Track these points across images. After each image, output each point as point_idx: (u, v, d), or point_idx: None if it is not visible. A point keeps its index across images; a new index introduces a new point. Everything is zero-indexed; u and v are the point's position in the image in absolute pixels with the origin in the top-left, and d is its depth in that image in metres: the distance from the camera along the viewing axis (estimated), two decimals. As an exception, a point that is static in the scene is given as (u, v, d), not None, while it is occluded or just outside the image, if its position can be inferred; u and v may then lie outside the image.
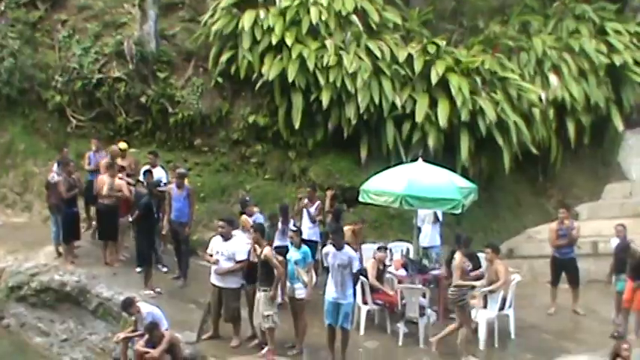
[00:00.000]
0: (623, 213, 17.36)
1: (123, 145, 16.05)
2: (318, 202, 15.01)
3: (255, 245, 12.13)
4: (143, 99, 17.81)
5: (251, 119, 17.53)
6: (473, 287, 12.68)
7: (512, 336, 13.24)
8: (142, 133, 18.00)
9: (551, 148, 18.03)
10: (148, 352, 11.66)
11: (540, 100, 17.52)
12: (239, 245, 12.44)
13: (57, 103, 18.25)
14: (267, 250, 11.97)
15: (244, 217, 13.56)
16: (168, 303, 13.31)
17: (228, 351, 12.38)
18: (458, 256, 12.53)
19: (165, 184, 15.03)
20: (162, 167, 15.82)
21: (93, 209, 15.63)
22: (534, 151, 17.30)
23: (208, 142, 17.96)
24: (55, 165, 15.44)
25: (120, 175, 14.93)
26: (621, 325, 13.61)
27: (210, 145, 17.94)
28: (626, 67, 18.61)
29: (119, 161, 15.37)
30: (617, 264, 13.76)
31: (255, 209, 14.29)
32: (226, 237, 12.45)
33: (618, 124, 18.83)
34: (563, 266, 14.44)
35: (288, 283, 12.18)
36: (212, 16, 17.78)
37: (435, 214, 14.68)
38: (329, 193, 15.54)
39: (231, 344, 12.56)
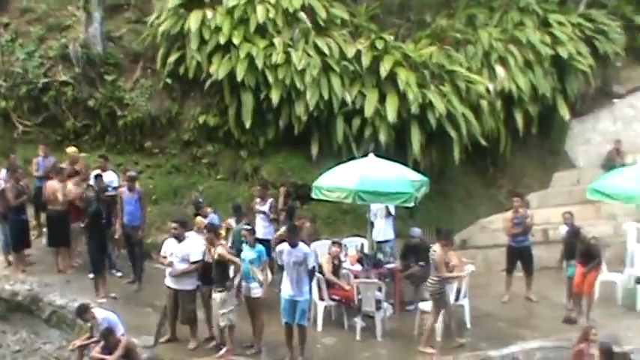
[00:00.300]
0: (572, 200, 17.65)
1: (72, 149, 15.87)
2: (270, 200, 15.00)
3: (210, 245, 12.10)
4: (91, 102, 17.60)
5: (201, 119, 17.43)
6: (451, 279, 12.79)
7: (468, 325, 13.39)
8: (92, 137, 17.80)
9: (500, 138, 18.24)
10: (104, 359, 11.56)
11: (488, 91, 17.69)
12: (193, 246, 12.38)
13: (2, 109, 17.97)
14: (221, 249, 11.94)
15: (199, 218, 13.50)
16: (124, 308, 13.21)
17: (186, 353, 12.33)
18: (438, 248, 12.57)
19: (115, 188, 14.89)
20: (114, 171, 15.66)
21: (43, 216, 15.42)
22: (483, 142, 17.49)
23: (159, 143, 17.82)
24: (3, 172, 15.20)
25: (75, 179, 14.76)
26: (573, 310, 13.88)
27: (161, 147, 17.81)
28: (569, 58, 18.91)
29: (67, 165, 15.21)
30: (567, 250, 14.03)
31: (209, 210, 14.26)
32: (180, 238, 12.38)
33: (564, 113, 19.13)
34: (519, 254, 14.65)
35: (243, 283, 12.18)
36: (158, 16, 17.64)
37: (387, 208, 14.77)
38: (282, 190, 15.53)
39: (188, 346, 12.51)
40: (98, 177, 14.79)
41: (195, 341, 12.56)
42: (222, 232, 13.18)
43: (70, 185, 14.68)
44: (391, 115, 16.30)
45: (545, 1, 19.82)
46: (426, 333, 12.60)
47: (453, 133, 16.72)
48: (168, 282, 12.49)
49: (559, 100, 19.02)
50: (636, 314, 14.11)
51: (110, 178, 15.14)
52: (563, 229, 14.47)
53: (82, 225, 14.29)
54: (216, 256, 11.87)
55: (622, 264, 15.35)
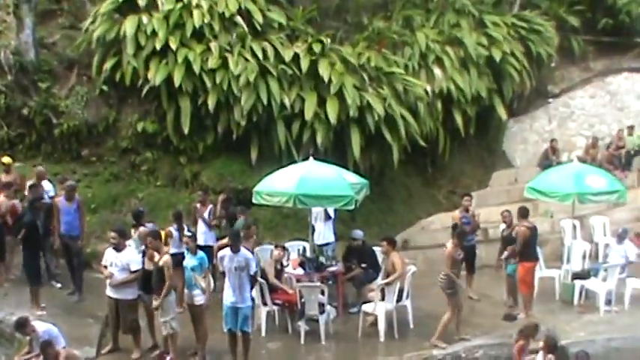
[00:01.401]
0: (510, 199, 17.97)
1: (7, 159, 15.53)
2: (210, 207, 14.92)
3: (154, 252, 11.96)
4: (25, 111, 17.22)
5: (139, 126, 17.24)
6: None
7: (411, 325, 13.49)
8: (26, 146, 17.41)
9: (439, 139, 18.48)
10: (43, 373, 11.35)
11: (426, 92, 17.91)
12: (132, 255, 12.22)
13: None
14: (168, 258, 11.82)
15: (142, 228, 13.27)
16: (65, 319, 12.92)
17: (129, 364, 12.15)
18: (450, 244, 12.75)
19: (51, 197, 14.62)
20: (50, 180, 15.36)
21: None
22: (422, 143, 17.67)
23: (96, 151, 17.56)
24: None
25: (6, 191, 14.43)
26: (513, 306, 14.10)
27: (99, 155, 17.55)
28: (504, 59, 19.22)
29: (3, 177, 14.87)
30: (505, 248, 14.21)
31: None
32: (119, 248, 12.21)
33: (501, 113, 19.47)
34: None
35: (186, 290, 12.08)
36: (93, 22, 17.40)
37: (326, 211, 14.82)
38: (220, 198, 15.44)
39: (132, 356, 12.32)
40: (33, 187, 14.48)
41: (138, 351, 12.38)
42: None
43: (1, 197, 14.34)
44: (332, 117, 16.35)
45: (480, 2, 20.13)
46: (440, 328, 12.73)
47: (389, 136, 16.82)
48: (109, 292, 12.30)
49: (496, 100, 19.36)
50: (574, 308, 14.39)
51: (46, 187, 14.86)
52: (502, 228, 14.70)
53: (19, 237, 13.98)
54: (161, 263, 11.72)
55: (559, 260, 15.65)
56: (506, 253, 14.05)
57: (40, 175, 15.16)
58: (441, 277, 12.76)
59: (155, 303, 11.93)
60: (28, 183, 14.88)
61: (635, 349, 12.62)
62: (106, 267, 12.27)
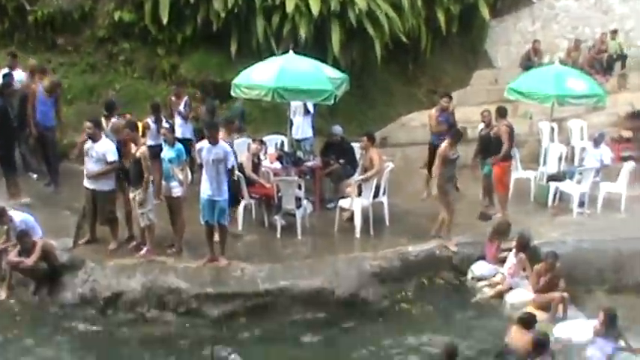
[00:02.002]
0: (490, 99, 17.88)
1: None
2: (186, 99, 14.75)
3: (131, 144, 11.86)
4: (-4, -4, 16.73)
5: (116, 15, 16.78)
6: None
7: (387, 222, 13.60)
8: (-1, 35, 17.00)
9: (421, 37, 18.21)
10: (21, 262, 11.41)
11: (409, -12, 17.53)
12: (108, 146, 12.10)
13: None
14: (145, 149, 11.73)
15: (115, 120, 13.07)
16: (42, 210, 12.93)
17: (106, 254, 12.19)
18: (445, 143, 12.72)
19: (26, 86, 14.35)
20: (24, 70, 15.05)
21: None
22: (405, 40, 17.42)
23: (73, 41, 17.16)
24: None
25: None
26: (489, 206, 14.25)
27: (75, 45, 17.15)
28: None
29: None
30: (483, 148, 14.25)
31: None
32: (95, 139, 12.08)
33: (485, 12, 19.16)
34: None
35: (163, 182, 12.06)
36: None
37: (305, 105, 14.70)
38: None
39: (109, 247, 12.36)
40: (6, 76, 14.16)
41: (115, 242, 12.42)
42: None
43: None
44: (314, 9, 15.95)
45: None
46: (441, 225, 12.87)
47: (372, 31, 16.54)
48: (86, 183, 12.25)
49: (480, -1, 19.03)
50: (547, 210, 14.56)
51: (19, 76, 14.56)
52: (481, 127, 14.70)
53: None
54: (138, 154, 11.65)
55: (536, 162, 15.75)
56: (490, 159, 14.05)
57: (11, 63, 14.83)
58: (436, 174, 12.80)
59: (131, 194, 11.95)
60: (1, 72, 14.55)
61: (605, 251, 12.84)
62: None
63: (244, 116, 15.51)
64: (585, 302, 11.85)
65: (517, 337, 10.12)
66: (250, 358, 10.40)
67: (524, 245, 12.14)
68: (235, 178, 12.35)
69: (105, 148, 12.03)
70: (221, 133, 11.95)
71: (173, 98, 14.77)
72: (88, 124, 12.17)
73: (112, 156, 12.04)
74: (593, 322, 10.42)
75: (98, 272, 11.81)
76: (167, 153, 11.97)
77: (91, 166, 12.10)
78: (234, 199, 12.54)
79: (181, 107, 14.63)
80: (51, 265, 11.75)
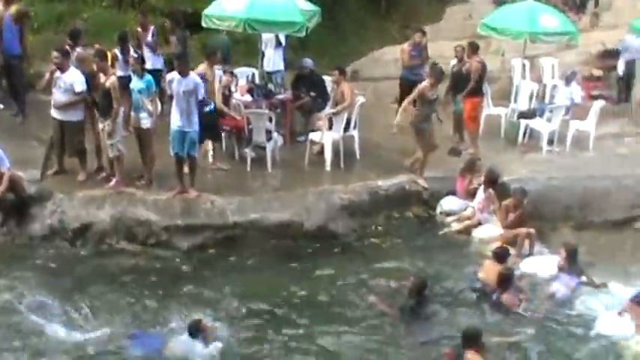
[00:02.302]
0: (463, 34, 17.84)
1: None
2: (152, 29, 14.50)
3: (101, 74, 11.67)
4: None
5: (80, -61, 16.40)
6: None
7: (358, 156, 13.63)
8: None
9: (395, -30, 18.04)
10: (-12, 192, 11.31)
11: None
12: (76, 76, 11.90)
13: None
14: (114, 79, 11.56)
15: (80, 50, 12.82)
16: (9, 141, 12.58)
17: (75, 186, 12.10)
18: (425, 83, 12.62)
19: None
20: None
21: None
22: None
23: (37, -34, 16.75)
24: None
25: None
26: (459, 142, 14.30)
27: (41, -30, 16.76)
28: None
29: None
30: (455, 84, 14.23)
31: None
32: (62, 68, 11.87)
33: (459, -54, 19.00)
34: (413, 86, 14.66)
35: (132, 113, 11.94)
36: None
37: (277, 37, 14.54)
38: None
39: (78, 178, 12.27)
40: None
41: (84, 173, 12.33)
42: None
43: None
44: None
45: None
46: (418, 166, 12.86)
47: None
48: (54, 113, 12.08)
49: None
50: (517, 147, 14.66)
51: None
52: (453, 63, 14.66)
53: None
54: (107, 84, 11.48)
55: (507, 99, 15.78)
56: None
57: None
58: (414, 114, 12.76)
59: (101, 125, 11.83)
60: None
61: (573, 188, 12.96)
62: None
63: (229, 49, 15.26)
64: (551, 238, 11.98)
65: (490, 270, 10.26)
66: (220, 289, 10.43)
67: (492, 181, 12.24)
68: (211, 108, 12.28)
69: (73, 79, 11.84)
70: (203, 65, 11.79)
71: (139, 29, 14.49)
72: (55, 53, 11.95)
73: (80, 86, 11.86)
74: (557, 258, 10.60)
75: (67, 203, 11.73)
76: (136, 84, 11.81)
77: (58, 96, 11.93)
78: (215, 134, 12.54)
79: (149, 38, 14.38)
80: (19, 196, 11.63)
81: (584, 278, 10.31)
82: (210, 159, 13.02)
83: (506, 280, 9.90)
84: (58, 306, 9.56)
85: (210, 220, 11.63)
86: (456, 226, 12.25)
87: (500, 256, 10.55)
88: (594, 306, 9.90)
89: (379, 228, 12.33)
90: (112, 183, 12.03)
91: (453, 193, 12.76)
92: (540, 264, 10.98)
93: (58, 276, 10.81)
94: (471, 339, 8.30)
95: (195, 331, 8.83)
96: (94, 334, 9.15)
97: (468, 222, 12.20)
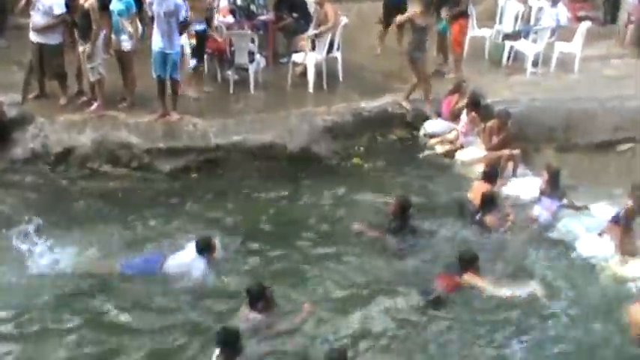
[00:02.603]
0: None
1: None
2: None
3: None
4: None
5: None
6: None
7: (341, 78, 13.56)
8: None
9: None
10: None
11: None
12: (56, -2, 11.66)
13: None
14: (93, 1, 11.33)
15: None
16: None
17: (56, 109, 12.03)
18: (415, 10, 12.49)
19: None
20: None
21: None
22: None
23: None
24: None
25: None
26: (442, 64, 14.21)
27: None
28: None
29: None
30: (439, 4, 14.01)
31: None
32: (43, -9, 11.60)
33: None
34: (395, 8, 14.43)
35: (113, 36, 11.77)
36: None
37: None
38: None
39: (59, 102, 12.18)
40: None
41: (65, 97, 12.24)
42: None
43: None
44: None
45: None
46: (408, 89, 12.80)
47: None
48: (33, 36, 11.87)
49: None
50: (501, 69, 14.58)
51: None
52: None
53: None
54: (86, 6, 11.26)
55: (492, 20, 15.63)
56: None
57: None
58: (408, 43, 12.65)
59: (81, 48, 11.66)
60: None
61: (557, 110, 12.94)
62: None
63: None
64: (534, 160, 12.01)
65: (479, 190, 10.27)
66: (205, 211, 10.51)
67: (476, 103, 12.20)
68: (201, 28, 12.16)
69: (52, 1, 11.60)
70: None
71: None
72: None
73: (59, 9, 11.64)
74: (539, 181, 10.64)
75: (48, 127, 11.68)
76: (115, 5, 11.60)
77: (37, 19, 11.71)
78: (200, 54, 12.47)
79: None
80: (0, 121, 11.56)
81: (565, 201, 10.36)
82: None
83: (488, 202, 9.94)
84: (47, 230, 9.46)
85: (192, 142, 11.61)
86: (439, 149, 12.25)
87: (490, 175, 10.57)
88: (575, 228, 9.96)
89: (362, 150, 12.34)
90: (94, 107, 11.94)
91: (439, 115, 12.74)
92: (523, 186, 11.02)
93: (43, 200, 10.80)
94: (469, 261, 8.64)
95: (206, 247, 8.79)
96: (86, 258, 9.14)
97: (451, 146, 12.18)
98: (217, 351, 6.73)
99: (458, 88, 12.78)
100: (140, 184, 11.29)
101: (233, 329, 6.92)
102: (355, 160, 12.12)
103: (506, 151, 11.40)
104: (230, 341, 6.67)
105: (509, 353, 7.91)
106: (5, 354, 7.70)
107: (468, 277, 8.57)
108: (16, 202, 10.61)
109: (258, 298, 7.66)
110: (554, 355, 7.87)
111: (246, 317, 7.71)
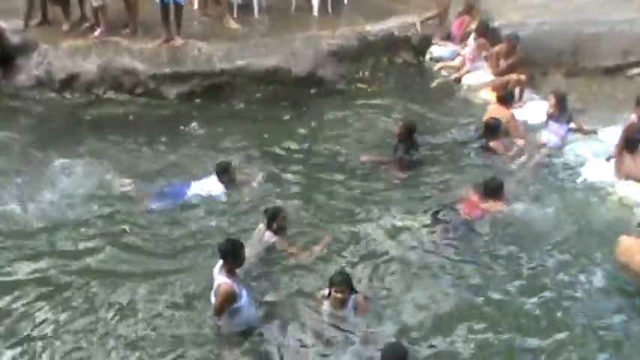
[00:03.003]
0: None
1: None
2: None
3: None
4: None
5: None
6: None
7: (346, 1, 13.40)
8: None
9: None
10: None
11: None
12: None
13: None
14: None
15: None
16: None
17: (59, 36, 11.96)
18: None
19: None
20: None
21: None
22: None
23: None
24: None
25: None
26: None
27: None
28: None
29: None
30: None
31: None
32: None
33: None
34: None
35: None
36: None
37: None
38: None
39: (62, 28, 12.09)
40: None
41: (68, 23, 12.16)
42: None
43: None
44: None
45: None
46: (427, 15, 12.71)
47: None
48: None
49: None
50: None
51: None
52: None
53: None
54: None
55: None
56: None
57: None
58: None
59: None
60: None
61: (565, 33, 12.71)
62: None
63: None
64: (542, 85, 11.89)
65: (494, 114, 10.21)
66: (215, 136, 10.53)
67: (484, 30, 12.02)
68: None
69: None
70: None
71: None
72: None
73: None
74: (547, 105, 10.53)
75: (52, 54, 11.65)
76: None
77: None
78: None
79: None
80: (3, 47, 11.49)
81: (573, 125, 10.28)
82: (196, 5, 12.73)
83: (491, 129, 9.89)
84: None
85: (197, 67, 11.56)
86: (445, 75, 12.11)
87: (504, 99, 10.49)
88: (583, 152, 9.93)
89: (367, 74, 12.29)
90: (97, 33, 11.86)
91: (449, 37, 12.61)
92: (530, 110, 10.93)
93: (49, 125, 10.87)
94: (494, 190, 8.61)
95: (224, 171, 8.85)
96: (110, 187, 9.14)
97: (458, 73, 12.04)
98: (220, 261, 6.84)
99: (469, 10, 12.60)
100: (144, 110, 11.30)
101: (235, 240, 7.01)
102: (359, 85, 12.07)
103: (513, 76, 11.28)
104: (231, 252, 6.77)
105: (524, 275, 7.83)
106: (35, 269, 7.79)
107: (494, 205, 8.50)
108: (22, 127, 10.69)
109: (273, 218, 7.78)
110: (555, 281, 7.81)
111: (260, 237, 7.81)
